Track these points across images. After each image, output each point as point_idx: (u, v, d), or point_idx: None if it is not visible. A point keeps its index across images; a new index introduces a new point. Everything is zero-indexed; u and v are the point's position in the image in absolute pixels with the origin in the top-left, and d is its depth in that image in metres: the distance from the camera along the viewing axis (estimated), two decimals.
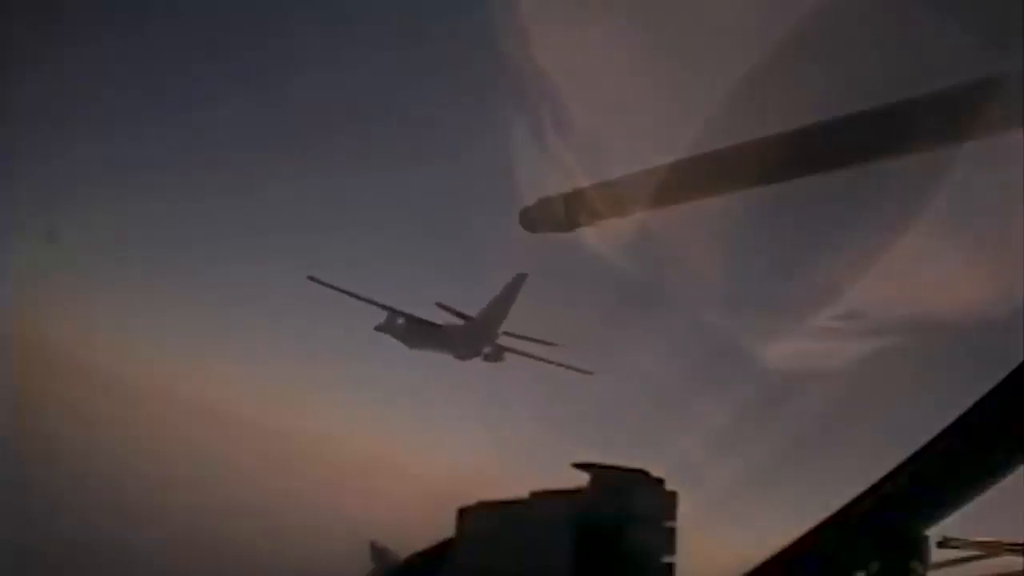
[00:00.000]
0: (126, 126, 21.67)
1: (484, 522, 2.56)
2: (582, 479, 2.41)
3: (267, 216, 25.29)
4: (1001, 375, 2.16)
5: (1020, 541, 3.56)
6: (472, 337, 25.85)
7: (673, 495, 2.45)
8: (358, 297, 25.25)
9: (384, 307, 26.19)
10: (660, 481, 2.44)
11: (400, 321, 26.47)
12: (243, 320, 25.34)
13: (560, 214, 3.60)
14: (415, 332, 26.29)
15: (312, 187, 23.33)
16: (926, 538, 2.26)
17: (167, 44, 21.23)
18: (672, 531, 2.42)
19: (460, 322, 25.96)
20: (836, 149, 2.92)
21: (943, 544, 2.93)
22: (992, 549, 3.65)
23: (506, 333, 25.84)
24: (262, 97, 21.53)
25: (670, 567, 2.39)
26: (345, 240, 26.27)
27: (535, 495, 2.49)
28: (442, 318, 25.88)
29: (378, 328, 26.39)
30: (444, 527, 2.62)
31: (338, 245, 26.76)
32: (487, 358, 26.43)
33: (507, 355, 26.12)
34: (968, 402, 2.18)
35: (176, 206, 22.73)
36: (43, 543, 12.58)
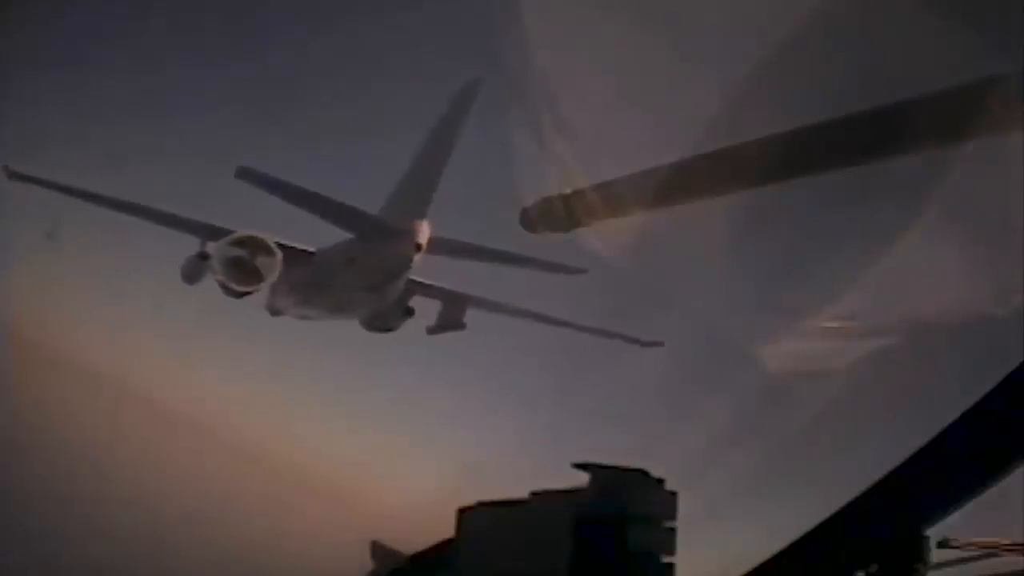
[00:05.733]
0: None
1: (484, 522, 2.57)
2: (582, 479, 2.41)
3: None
4: (1001, 375, 2.16)
5: (1020, 541, 3.56)
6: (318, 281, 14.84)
7: (673, 495, 2.45)
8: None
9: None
10: (660, 481, 2.45)
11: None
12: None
13: (560, 214, 3.61)
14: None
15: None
16: (926, 538, 2.26)
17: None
18: (672, 531, 2.42)
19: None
20: (836, 149, 2.92)
21: (943, 544, 2.93)
22: (992, 549, 3.66)
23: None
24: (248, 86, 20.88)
25: (670, 567, 2.39)
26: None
27: (535, 495, 2.50)
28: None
29: (186, 273, 15.29)
30: (444, 527, 2.62)
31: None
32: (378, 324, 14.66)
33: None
34: (968, 402, 2.18)
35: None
36: (36, 543, 12.59)
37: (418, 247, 14.48)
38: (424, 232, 14.54)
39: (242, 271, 14.81)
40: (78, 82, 19.40)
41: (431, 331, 15.72)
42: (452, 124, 14.85)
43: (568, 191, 3.61)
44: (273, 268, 14.68)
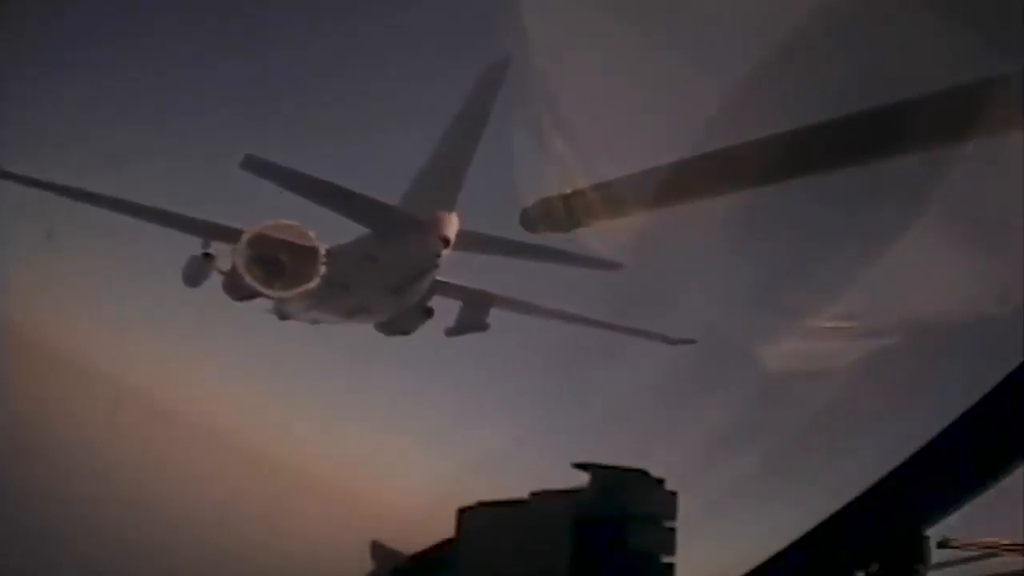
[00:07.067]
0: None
1: (484, 522, 2.56)
2: (582, 479, 2.41)
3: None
4: (1001, 375, 2.16)
5: (1020, 541, 3.56)
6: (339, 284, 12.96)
7: (673, 495, 2.45)
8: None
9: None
10: (660, 481, 2.45)
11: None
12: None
13: (560, 214, 3.61)
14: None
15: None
16: (926, 538, 2.26)
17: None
18: (672, 531, 2.42)
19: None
20: (836, 149, 2.92)
21: (943, 544, 2.93)
22: (992, 549, 3.66)
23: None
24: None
25: (670, 567, 2.39)
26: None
27: (535, 495, 2.50)
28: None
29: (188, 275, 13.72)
30: (444, 527, 2.62)
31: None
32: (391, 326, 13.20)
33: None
34: (968, 402, 2.18)
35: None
36: (36, 543, 12.58)
37: (446, 241, 12.82)
38: (452, 225, 12.79)
39: (270, 272, 12.77)
40: (78, 82, 19.42)
41: (450, 333, 14.23)
42: (479, 107, 12.99)
43: (568, 191, 3.62)
44: (311, 273, 12.42)
